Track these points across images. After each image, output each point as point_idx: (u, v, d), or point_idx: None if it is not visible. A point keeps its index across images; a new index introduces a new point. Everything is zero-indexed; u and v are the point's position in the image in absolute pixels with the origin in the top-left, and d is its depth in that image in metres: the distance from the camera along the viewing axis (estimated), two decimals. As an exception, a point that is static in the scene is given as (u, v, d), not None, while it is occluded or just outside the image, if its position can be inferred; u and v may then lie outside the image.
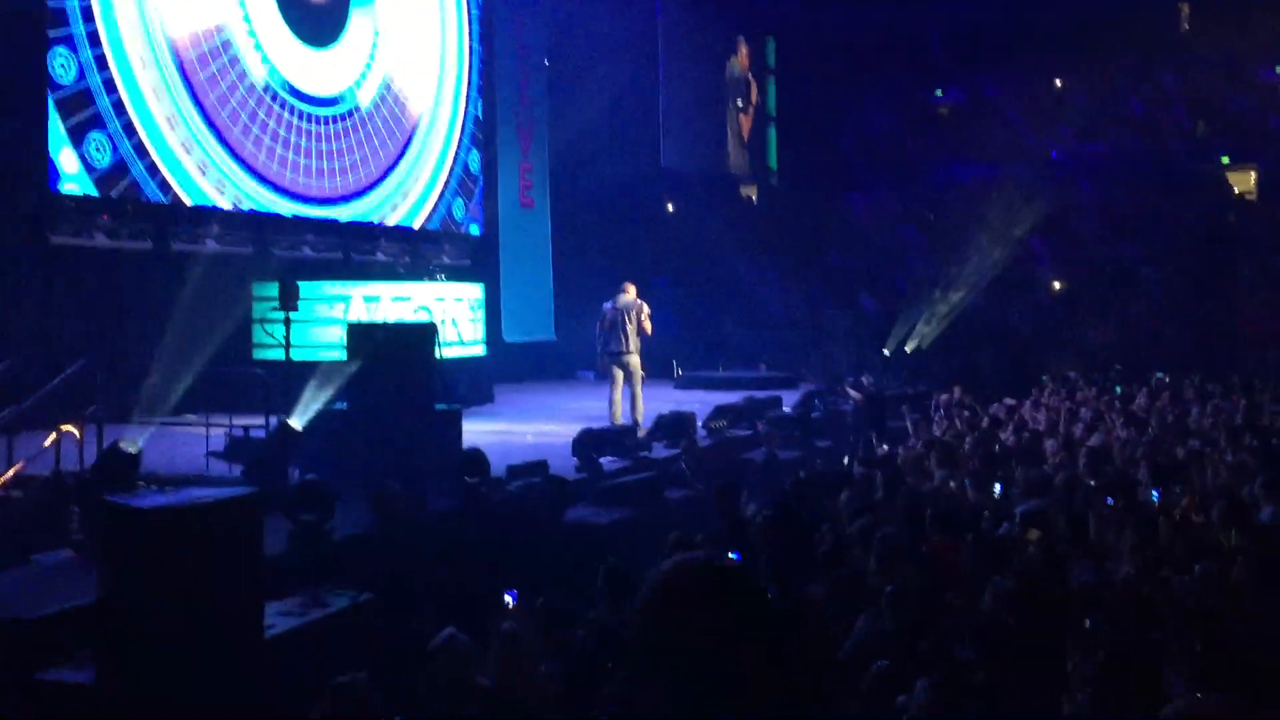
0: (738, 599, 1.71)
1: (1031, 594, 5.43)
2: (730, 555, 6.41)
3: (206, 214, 14.06)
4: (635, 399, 12.97)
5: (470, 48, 19.17)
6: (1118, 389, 16.40)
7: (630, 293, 13.03)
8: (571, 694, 5.19)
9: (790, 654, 1.72)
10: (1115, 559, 6.46)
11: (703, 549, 6.71)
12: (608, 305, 13.14)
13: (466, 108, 19.00)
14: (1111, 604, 5.16)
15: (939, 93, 30.57)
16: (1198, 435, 11.31)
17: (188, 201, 13.74)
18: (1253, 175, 27.27)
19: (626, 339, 12.85)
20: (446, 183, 18.41)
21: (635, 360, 12.96)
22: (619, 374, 13.01)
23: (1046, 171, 28.32)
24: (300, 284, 11.57)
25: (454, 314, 15.20)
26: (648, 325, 12.99)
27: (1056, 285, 25.06)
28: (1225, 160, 27.22)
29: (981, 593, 5.63)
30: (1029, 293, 24.99)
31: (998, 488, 8.48)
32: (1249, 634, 4.71)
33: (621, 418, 12.80)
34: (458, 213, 18.75)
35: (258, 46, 14.78)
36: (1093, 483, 8.62)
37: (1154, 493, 8.13)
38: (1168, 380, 17.18)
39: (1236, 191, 27.27)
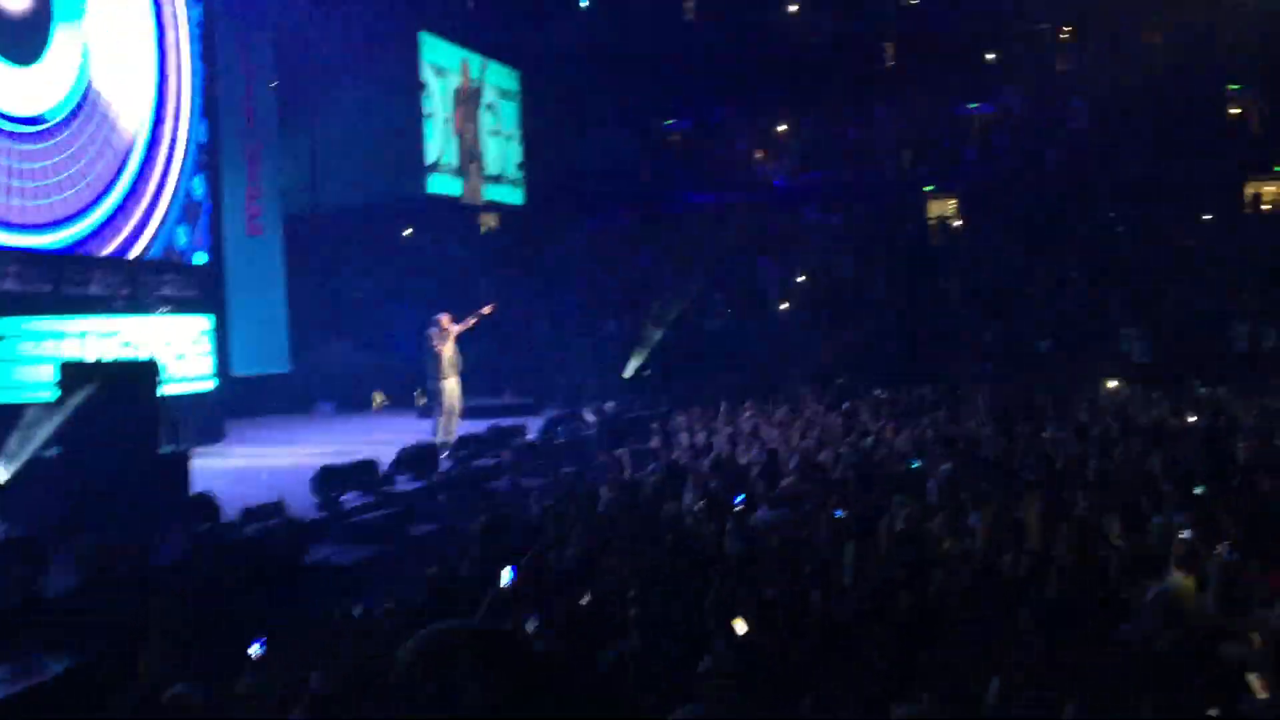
0: (503, 665, 1.70)
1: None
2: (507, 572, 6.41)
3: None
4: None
5: (192, 68, 18.25)
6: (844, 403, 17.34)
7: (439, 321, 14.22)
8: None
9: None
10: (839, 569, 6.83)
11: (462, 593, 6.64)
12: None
13: (189, 130, 18.06)
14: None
15: (669, 121, 31.59)
16: (915, 446, 12.11)
17: None
18: (952, 202, 29.64)
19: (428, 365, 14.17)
20: (168, 209, 17.42)
21: (438, 384, 14.11)
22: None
23: (771, 198, 29.80)
24: (3, 320, 10.69)
25: (180, 348, 14.42)
26: (436, 347, 14.04)
27: (784, 305, 26.31)
28: (929, 188, 29.48)
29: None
30: (760, 312, 26.11)
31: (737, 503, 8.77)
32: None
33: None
34: (180, 241, 17.78)
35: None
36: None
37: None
38: (885, 395, 18.32)
39: (938, 216, 29.58)
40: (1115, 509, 7.70)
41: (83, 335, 13.24)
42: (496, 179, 27.98)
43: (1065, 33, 30.77)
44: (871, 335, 25.03)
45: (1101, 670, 4.82)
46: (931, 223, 29.51)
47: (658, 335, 23.23)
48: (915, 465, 10.42)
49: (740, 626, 5.42)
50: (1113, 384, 20.12)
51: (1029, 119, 30.19)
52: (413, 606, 6.48)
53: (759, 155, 31.12)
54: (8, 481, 8.58)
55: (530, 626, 5.65)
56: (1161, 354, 22.79)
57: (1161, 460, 10.14)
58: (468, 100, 26.95)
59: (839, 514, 8.03)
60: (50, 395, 10.30)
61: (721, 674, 4.80)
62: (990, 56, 31.30)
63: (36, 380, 12.32)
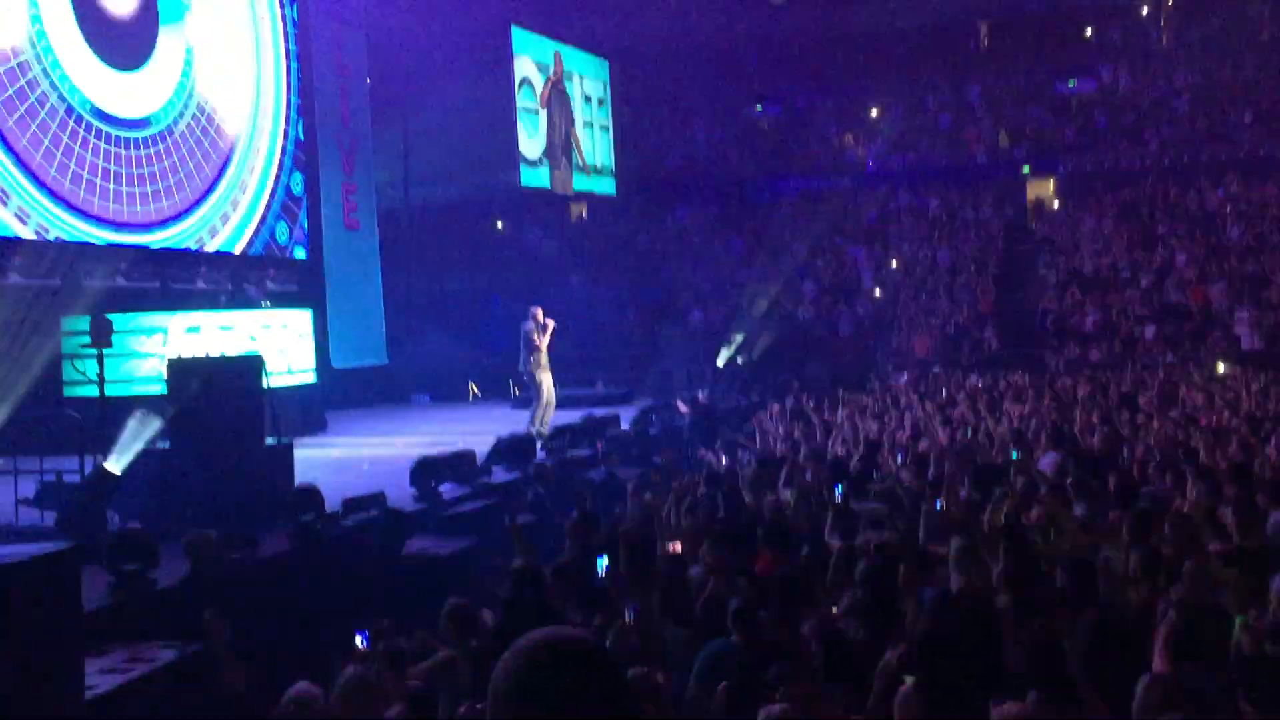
0: (592, 684, 1.69)
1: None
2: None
3: (8, 245, 13.25)
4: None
5: (288, 67, 18.63)
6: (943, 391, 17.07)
7: (536, 315, 14.54)
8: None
9: None
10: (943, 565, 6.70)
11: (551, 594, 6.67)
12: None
13: (286, 128, 18.45)
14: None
15: (759, 107, 31.34)
16: (1014, 438, 11.83)
17: (-13, 233, 12.94)
18: (1051, 183, 28.92)
19: (522, 358, 14.57)
20: (269, 206, 17.84)
21: (535, 377, 14.53)
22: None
23: (863, 182, 29.42)
24: (114, 317, 11.02)
25: (282, 342, 14.74)
26: (536, 342, 14.42)
27: (877, 292, 25.96)
28: (1026, 169, 28.79)
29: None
30: (852, 300, 25.82)
31: (838, 494, 8.67)
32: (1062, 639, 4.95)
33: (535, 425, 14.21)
34: (281, 237, 18.19)
35: (58, 69, 14.01)
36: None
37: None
38: (981, 384, 17.98)
39: (1036, 198, 28.89)
40: (1228, 502, 7.43)
41: (189, 331, 13.60)
42: (588, 170, 28.08)
43: (1168, 6, 29.81)
44: (968, 322, 24.58)
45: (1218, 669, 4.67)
46: (1029, 205, 28.83)
47: (749, 325, 23.12)
48: (1016, 456, 10.19)
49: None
50: (1221, 369, 19.48)
51: (1130, 97, 29.32)
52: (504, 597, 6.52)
53: (849, 140, 30.73)
54: (120, 475, 8.84)
55: (628, 617, 5.65)
56: (1272, 339, 22.00)
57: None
58: (559, 92, 27.09)
59: (939, 505, 7.89)
60: (159, 389, 10.62)
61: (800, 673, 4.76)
62: (1089, 32, 30.47)
63: (146, 375, 12.69)
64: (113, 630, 6.61)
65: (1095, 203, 27.45)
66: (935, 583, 6.25)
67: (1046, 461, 9.93)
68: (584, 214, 30.16)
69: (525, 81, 25.85)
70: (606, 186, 28.99)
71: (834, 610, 5.70)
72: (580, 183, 27.71)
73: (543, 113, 26.40)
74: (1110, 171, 27.85)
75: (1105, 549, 6.92)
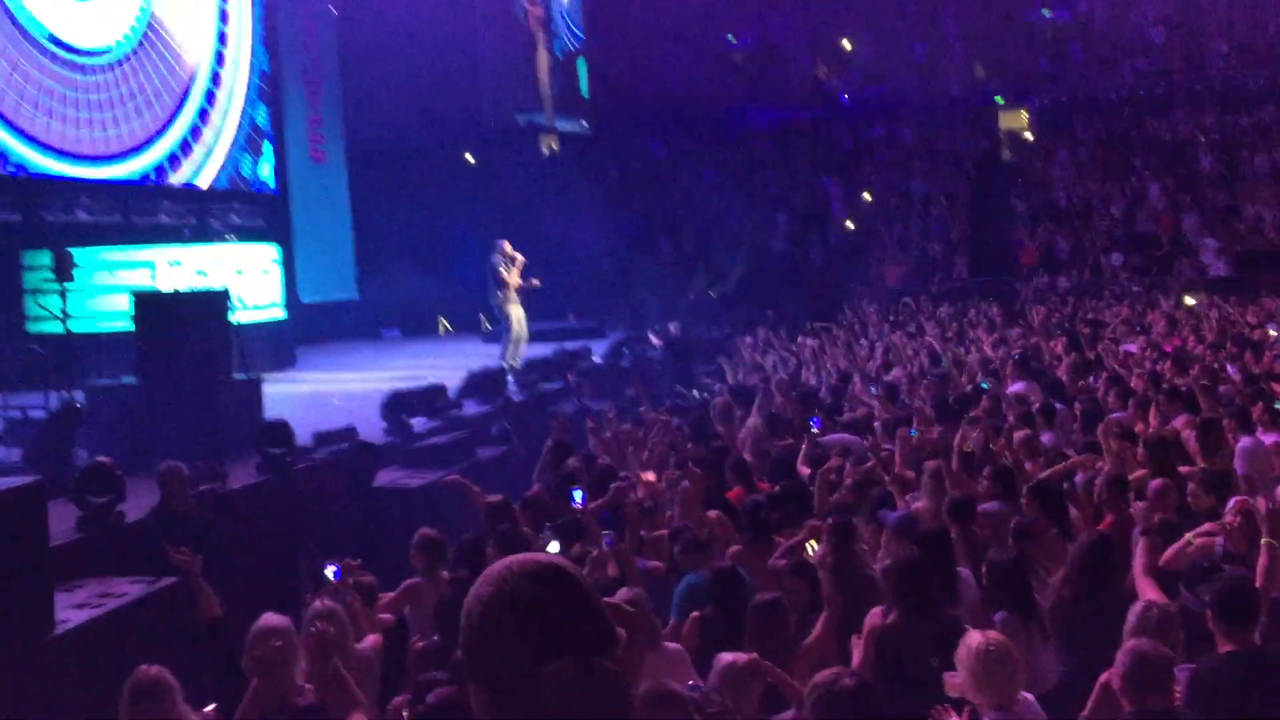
0: (565, 605, 1.67)
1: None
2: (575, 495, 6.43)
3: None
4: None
5: (251, -4, 18.23)
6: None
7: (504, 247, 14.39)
8: (388, 673, 5.09)
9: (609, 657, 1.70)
10: (915, 491, 6.76)
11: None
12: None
13: (250, 59, 18.09)
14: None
15: (731, 39, 30.97)
16: (985, 367, 11.89)
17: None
18: (1024, 113, 28.81)
19: (490, 291, 14.48)
20: (233, 139, 17.54)
21: (504, 311, 14.34)
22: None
23: (836, 114, 29.22)
24: (76, 251, 10.86)
25: (249, 276, 14.56)
26: (503, 276, 14.22)
27: (849, 224, 25.92)
28: (1000, 100, 28.65)
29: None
30: (823, 231, 25.77)
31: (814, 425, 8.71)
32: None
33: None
34: (245, 170, 17.91)
35: (13, -3, 13.65)
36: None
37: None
38: (951, 314, 18.05)
39: (1010, 129, 28.77)
40: (1193, 426, 7.51)
41: (153, 265, 13.41)
42: (564, 103, 27.75)
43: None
44: (938, 253, 24.61)
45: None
46: (1003, 136, 28.72)
47: (723, 257, 23.07)
48: (985, 386, 10.25)
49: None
50: (1188, 300, 19.62)
51: (1105, 27, 29.14)
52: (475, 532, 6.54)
53: (823, 71, 30.44)
54: (84, 409, 8.75)
55: (605, 546, 5.67)
56: (1239, 265, 22.14)
57: (1242, 373, 9.87)
58: (538, 26, 26.68)
59: (912, 433, 7.94)
60: (125, 325, 10.49)
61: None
62: (1064, -39, 30.20)
63: (113, 310, 12.53)
64: (82, 564, 6.58)
65: (1069, 134, 27.40)
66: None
67: (1015, 390, 10.00)
68: (555, 147, 29.85)
69: (504, 14, 25.44)
70: (581, 120, 28.65)
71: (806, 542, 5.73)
72: (558, 118, 27.39)
73: (521, 47, 26.02)
74: (1084, 103, 27.76)
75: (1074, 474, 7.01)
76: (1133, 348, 12.76)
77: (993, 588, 5.05)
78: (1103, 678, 3.84)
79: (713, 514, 6.54)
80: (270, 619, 4.42)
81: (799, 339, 15.61)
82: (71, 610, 5.96)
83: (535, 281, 14.63)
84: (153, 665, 4.10)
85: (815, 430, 8.46)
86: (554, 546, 5.69)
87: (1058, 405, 8.97)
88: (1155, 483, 5.96)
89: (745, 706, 4.01)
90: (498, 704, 1.66)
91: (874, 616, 4.65)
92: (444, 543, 6.21)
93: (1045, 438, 8.00)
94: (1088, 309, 18.23)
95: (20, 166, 13.63)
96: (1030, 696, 3.96)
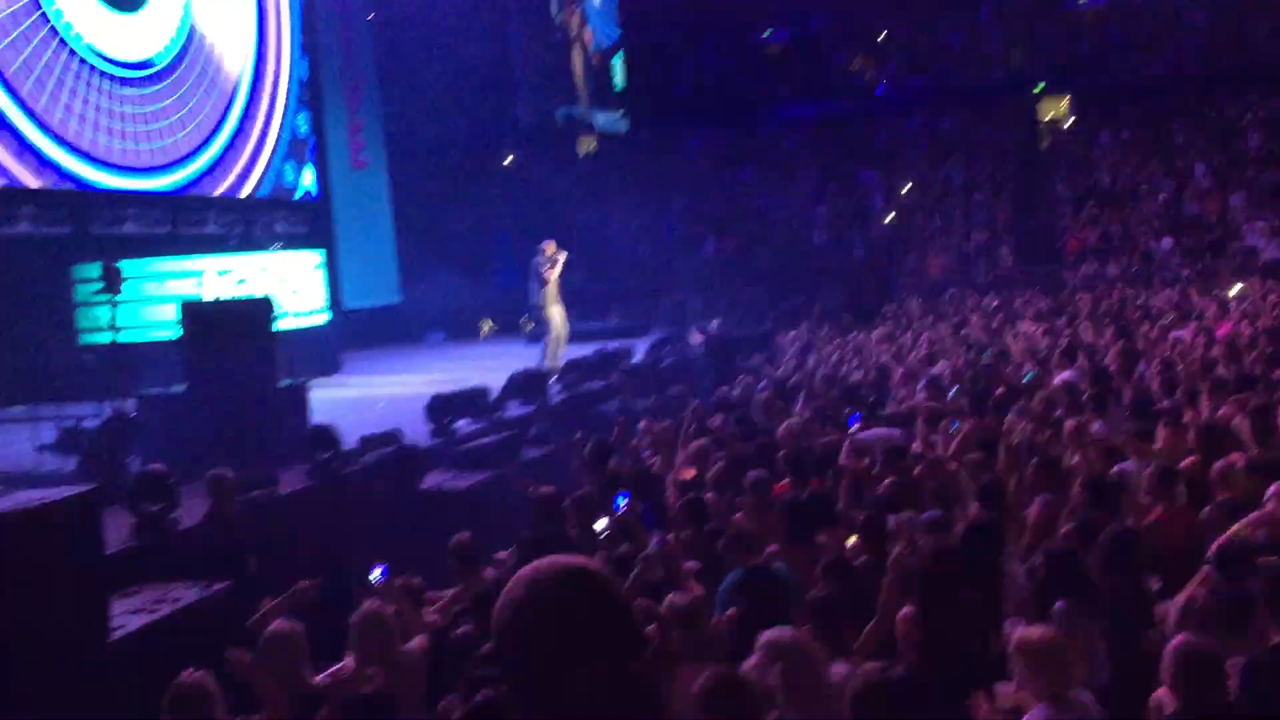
0: (594, 607, 1.68)
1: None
2: (620, 500, 6.38)
3: (16, 194, 13.23)
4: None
5: (289, 4, 18.41)
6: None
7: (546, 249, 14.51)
8: (434, 674, 5.13)
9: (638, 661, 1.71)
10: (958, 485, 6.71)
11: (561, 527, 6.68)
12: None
13: (290, 68, 18.28)
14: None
15: (767, 33, 30.83)
16: (1033, 358, 11.78)
17: (-3, 182, 12.91)
18: (1064, 101, 28.44)
19: (533, 291, 14.63)
20: (275, 148, 17.73)
21: (545, 312, 14.57)
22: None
23: (873, 106, 29.02)
24: (124, 263, 11.02)
25: (293, 283, 14.70)
26: (545, 275, 14.37)
27: (889, 217, 25.74)
28: (1040, 88, 28.30)
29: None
30: (864, 224, 25.62)
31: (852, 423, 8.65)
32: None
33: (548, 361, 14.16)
34: (288, 178, 18.11)
35: (54, 10, 13.86)
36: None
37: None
38: (997, 304, 17.88)
39: (1051, 116, 28.42)
40: (1245, 414, 7.40)
41: (200, 274, 13.58)
42: (603, 102, 27.77)
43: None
44: (982, 241, 24.39)
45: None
46: (1043, 124, 28.38)
47: (764, 252, 22.99)
48: (1030, 376, 10.15)
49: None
50: (1238, 285, 19.28)
51: (1145, 10, 28.69)
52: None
53: (859, 63, 30.20)
54: (137, 418, 8.90)
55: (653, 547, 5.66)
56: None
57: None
58: (574, 23, 26.73)
59: (955, 426, 7.88)
60: (173, 334, 10.64)
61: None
62: (1102, -56, 29.76)
63: (162, 320, 12.70)
64: (137, 571, 6.69)
65: (1110, 119, 27.02)
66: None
67: (1062, 379, 9.89)
68: (593, 147, 29.88)
69: (540, 16, 25.51)
70: (621, 119, 28.64)
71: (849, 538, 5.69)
72: (598, 116, 27.42)
73: (559, 46, 26.07)
74: (1126, 87, 27.37)
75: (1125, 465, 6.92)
76: (1184, 334, 12.58)
77: (1049, 579, 4.99)
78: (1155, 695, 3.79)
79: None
80: (280, 624, 4.57)
81: (851, 334, 15.48)
82: (128, 616, 6.06)
83: (563, 256, 14.62)
84: (196, 672, 4.15)
85: (852, 428, 8.37)
86: (601, 524, 5.69)
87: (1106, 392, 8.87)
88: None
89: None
90: (530, 705, 1.67)
91: (908, 611, 4.63)
92: (476, 546, 6.23)
93: (1096, 427, 7.91)
94: (1138, 296, 17.99)
95: (71, 179, 13.87)
96: (1088, 696, 3.90)
